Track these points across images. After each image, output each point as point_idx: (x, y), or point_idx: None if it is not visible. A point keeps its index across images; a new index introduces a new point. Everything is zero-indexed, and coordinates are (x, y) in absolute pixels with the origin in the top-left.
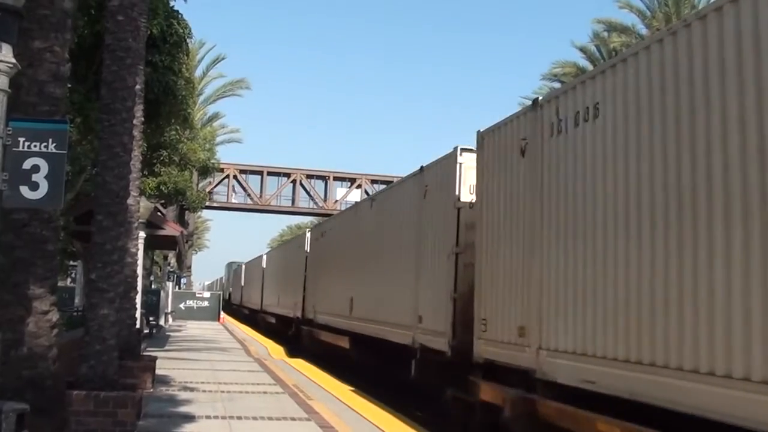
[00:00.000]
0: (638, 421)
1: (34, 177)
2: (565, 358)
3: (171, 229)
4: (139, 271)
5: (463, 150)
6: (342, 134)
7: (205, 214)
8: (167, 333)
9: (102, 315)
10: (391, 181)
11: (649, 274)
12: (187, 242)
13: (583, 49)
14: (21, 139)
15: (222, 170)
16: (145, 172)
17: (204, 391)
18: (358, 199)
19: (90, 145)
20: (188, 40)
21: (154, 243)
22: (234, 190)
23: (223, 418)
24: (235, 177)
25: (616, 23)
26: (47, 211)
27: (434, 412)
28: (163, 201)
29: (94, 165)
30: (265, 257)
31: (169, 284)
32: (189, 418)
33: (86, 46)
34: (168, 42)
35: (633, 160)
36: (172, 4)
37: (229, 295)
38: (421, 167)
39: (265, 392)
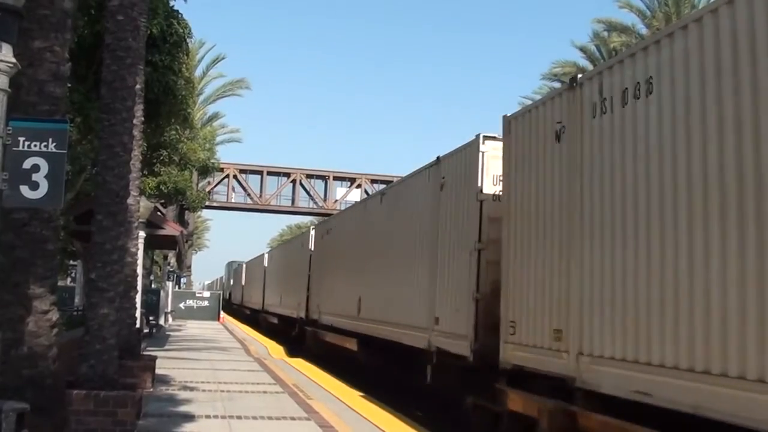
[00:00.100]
0: None
1: (34, 176)
2: (612, 365)
3: (171, 229)
4: (139, 270)
5: (486, 138)
6: (342, 134)
7: (205, 213)
8: (167, 332)
9: (102, 314)
10: (391, 181)
11: (720, 272)
12: (186, 242)
13: (583, 49)
14: (21, 139)
15: (222, 170)
16: (145, 172)
17: (204, 390)
18: (358, 199)
19: (90, 144)
20: (188, 40)
21: (154, 243)
22: (234, 190)
23: (223, 417)
24: (235, 177)
25: (616, 23)
26: (47, 210)
27: (452, 421)
28: (163, 201)
29: (94, 164)
30: (266, 256)
31: (169, 284)
32: (189, 417)
33: (86, 45)
34: (168, 42)
35: (697, 142)
36: (172, 3)
37: (230, 294)
38: (438, 158)
39: (264, 392)
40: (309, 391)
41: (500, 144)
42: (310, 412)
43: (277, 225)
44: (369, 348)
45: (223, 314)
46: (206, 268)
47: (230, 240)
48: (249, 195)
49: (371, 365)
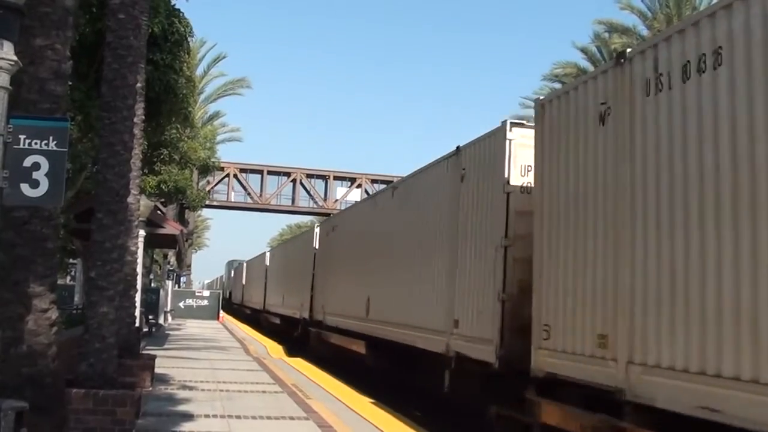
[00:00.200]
0: None
1: (35, 175)
2: (671, 376)
3: (171, 228)
4: (139, 269)
5: (514, 124)
6: (342, 134)
7: (205, 213)
8: (166, 332)
9: (101, 313)
10: (392, 181)
11: None
12: (186, 241)
13: (584, 50)
14: (22, 137)
15: (222, 169)
16: (146, 171)
17: (203, 389)
18: (359, 199)
19: (91, 143)
20: (189, 39)
21: (153, 241)
22: (233, 189)
23: (222, 417)
24: (235, 176)
25: (617, 24)
26: (47, 208)
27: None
28: (163, 199)
29: (94, 163)
30: (268, 254)
31: (169, 283)
32: (188, 416)
33: (87, 44)
34: (169, 40)
35: None
36: (173, 2)
37: (230, 294)
38: (458, 147)
39: (264, 391)
40: (308, 391)
41: (529, 131)
42: (309, 412)
43: (277, 224)
44: (378, 351)
45: (222, 313)
46: (206, 267)
47: (230, 239)
48: (249, 194)
49: (380, 369)
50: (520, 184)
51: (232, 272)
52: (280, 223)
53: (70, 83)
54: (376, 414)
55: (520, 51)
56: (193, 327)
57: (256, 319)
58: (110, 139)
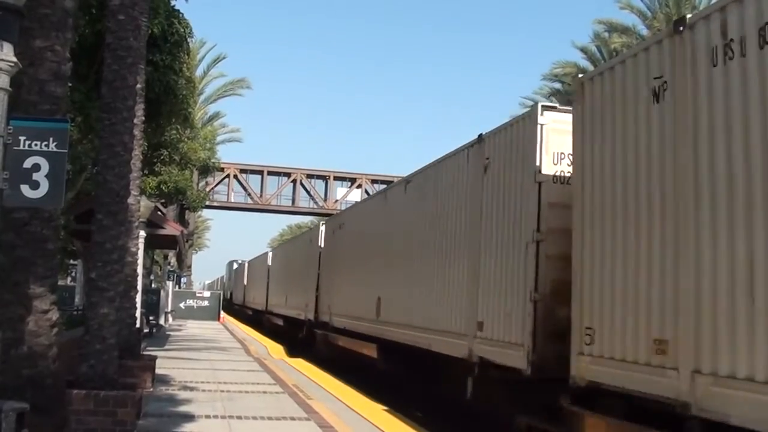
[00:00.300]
0: None
1: (35, 176)
2: (750, 389)
3: (171, 229)
4: (139, 270)
5: (545, 108)
6: (342, 134)
7: (206, 213)
8: (167, 332)
9: (102, 314)
10: (392, 181)
11: None
12: (187, 241)
13: (583, 50)
14: (22, 138)
15: (222, 170)
16: (146, 172)
17: (204, 390)
18: (359, 199)
19: (91, 144)
20: (189, 40)
21: (154, 242)
22: (234, 190)
23: (223, 417)
24: (235, 176)
25: (617, 24)
26: (48, 210)
27: None
28: (163, 200)
29: (94, 164)
30: (270, 254)
31: (169, 283)
32: (189, 417)
33: (87, 45)
34: (169, 41)
35: None
36: (173, 3)
37: (231, 294)
38: (480, 135)
39: (264, 392)
40: (309, 392)
41: (563, 116)
42: (310, 412)
43: (277, 225)
44: (391, 355)
45: (223, 314)
46: (206, 267)
47: (230, 240)
48: (249, 195)
49: (393, 374)
50: (552, 173)
51: (233, 273)
52: (281, 224)
53: (70, 84)
54: (377, 414)
55: (520, 51)
56: (193, 328)
57: (259, 320)
58: (110, 140)
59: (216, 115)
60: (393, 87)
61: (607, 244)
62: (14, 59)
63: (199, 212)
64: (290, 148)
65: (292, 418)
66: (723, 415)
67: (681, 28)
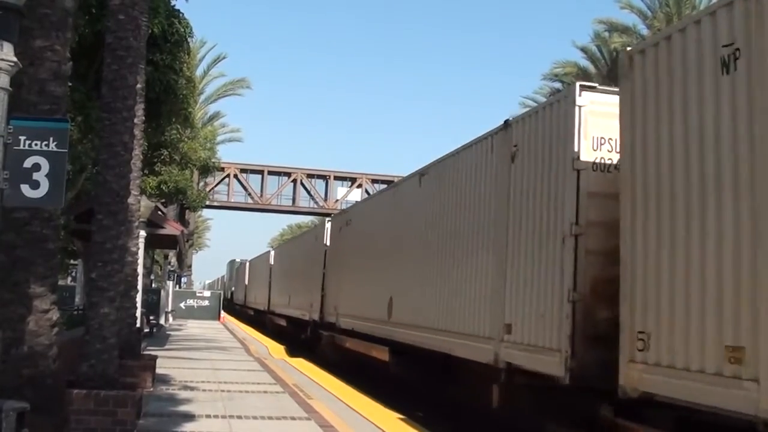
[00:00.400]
0: None
1: (35, 176)
2: None
3: (171, 228)
4: (140, 270)
5: (584, 88)
6: (342, 134)
7: (206, 213)
8: (167, 332)
9: (102, 314)
10: (392, 181)
11: None
12: (187, 241)
13: (584, 49)
14: (22, 138)
15: (223, 169)
16: (146, 171)
17: (204, 390)
18: (359, 199)
19: (91, 143)
20: (189, 39)
21: (154, 242)
22: (234, 190)
23: (223, 417)
24: (235, 176)
25: (617, 23)
26: (48, 209)
27: None
28: (163, 200)
29: (94, 164)
30: (273, 253)
31: (170, 283)
32: (189, 417)
33: (87, 44)
34: (169, 41)
35: None
36: (173, 3)
37: (232, 294)
38: (506, 121)
39: (265, 391)
40: (309, 391)
41: (604, 96)
42: (311, 412)
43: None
44: (405, 358)
45: (223, 314)
46: (207, 267)
47: (231, 240)
48: (250, 194)
49: (408, 380)
50: (592, 159)
51: (234, 272)
52: (281, 223)
53: (70, 84)
54: (378, 414)
55: (520, 51)
56: (194, 327)
57: (261, 320)
58: (110, 140)
59: (216, 115)
60: (393, 87)
61: (664, 236)
62: (14, 59)
63: (200, 212)
64: (290, 147)
65: (293, 418)
66: None
67: None
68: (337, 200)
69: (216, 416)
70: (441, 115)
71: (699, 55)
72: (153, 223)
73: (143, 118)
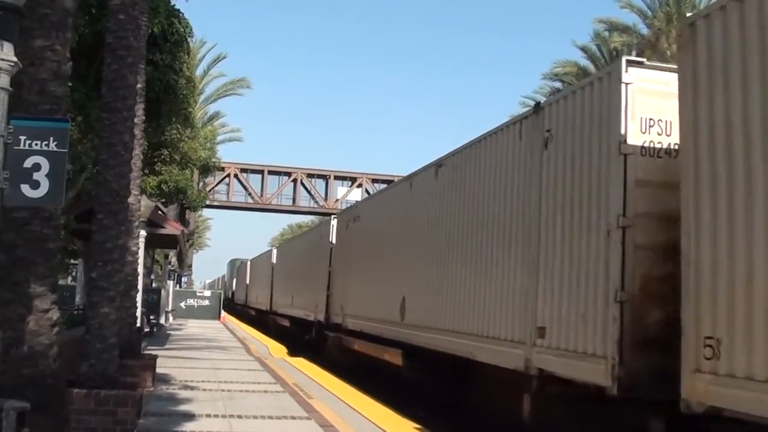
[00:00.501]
0: None
1: (35, 175)
2: None
3: (172, 228)
4: (140, 269)
5: (631, 63)
6: (342, 134)
7: (206, 213)
8: (168, 332)
9: (103, 313)
10: (392, 180)
11: None
12: (187, 241)
13: (584, 49)
14: (22, 138)
15: (223, 169)
16: (146, 171)
17: (204, 389)
18: (359, 198)
19: (91, 143)
20: (189, 39)
21: (154, 242)
22: (234, 189)
23: (224, 416)
24: (236, 176)
25: (617, 23)
26: (48, 209)
27: None
28: (163, 200)
29: (95, 163)
30: (275, 252)
31: (170, 283)
32: (189, 416)
33: (87, 44)
34: (169, 41)
35: None
36: (173, 2)
37: (233, 294)
38: (537, 104)
39: (265, 391)
40: (309, 391)
41: (653, 73)
42: (311, 412)
43: (278, 224)
44: (420, 363)
45: (223, 313)
46: (207, 267)
47: (231, 239)
48: (250, 194)
49: (423, 385)
50: (640, 143)
51: (235, 271)
52: (281, 223)
53: (70, 84)
54: (378, 413)
55: (520, 51)
56: (194, 327)
57: (262, 321)
58: (110, 140)
59: (216, 115)
60: (393, 87)
61: (738, 227)
62: (14, 59)
63: (200, 212)
64: (291, 147)
65: (293, 417)
66: None
67: None
68: (337, 200)
69: (216, 416)
70: (441, 115)
71: None
72: (153, 222)
73: (143, 117)
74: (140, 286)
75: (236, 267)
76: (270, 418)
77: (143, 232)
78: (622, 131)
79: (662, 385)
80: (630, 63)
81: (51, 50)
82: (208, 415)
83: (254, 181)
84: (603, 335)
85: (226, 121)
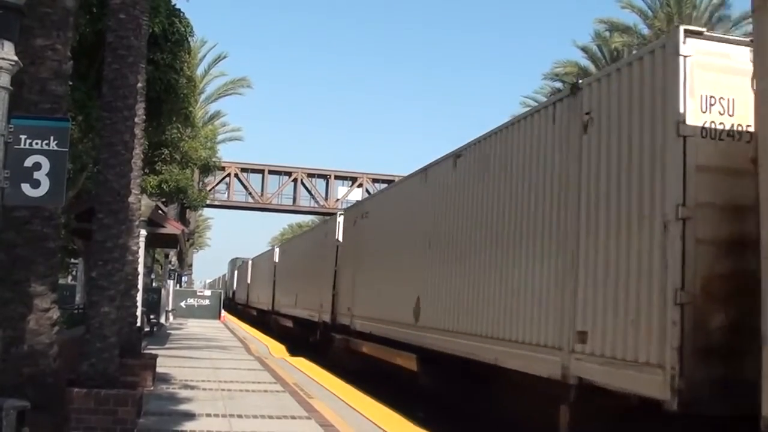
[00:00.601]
0: None
1: (36, 175)
2: None
3: (172, 228)
4: (140, 269)
5: (689, 33)
6: (342, 134)
7: (206, 212)
8: (168, 331)
9: (103, 313)
10: (393, 180)
11: None
12: (188, 240)
13: (584, 49)
14: (22, 137)
15: (223, 169)
16: (147, 171)
17: (204, 389)
18: (359, 198)
19: (91, 143)
20: (190, 39)
21: (155, 241)
22: (235, 189)
23: (224, 416)
24: (236, 175)
25: (618, 23)
26: (48, 208)
27: None
28: (164, 199)
29: (95, 163)
30: (277, 250)
31: (170, 282)
32: (189, 416)
33: (88, 44)
34: (170, 40)
35: None
36: (173, 2)
37: (233, 294)
38: (575, 84)
39: (265, 390)
40: (310, 390)
41: (714, 45)
42: (311, 411)
43: (278, 224)
44: (435, 368)
45: (224, 313)
46: (207, 266)
47: (231, 239)
48: (250, 194)
49: (439, 392)
50: (700, 124)
51: (236, 271)
52: (282, 223)
53: (71, 83)
54: (379, 413)
55: (520, 51)
56: (194, 326)
57: (264, 321)
58: (111, 139)
59: (217, 114)
60: (393, 87)
61: None
62: (15, 58)
63: (200, 211)
64: (291, 147)
65: (293, 417)
66: None
67: None
68: (337, 199)
69: (216, 415)
70: (441, 115)
71: None
72: (154, 222)
73: (144, 117)
74: (140, 286)
75: (237, 266)
76: (270, 417)
77: (143, 232)
78: (681, 110)
79: (724, 399)
80: (688, 33)
81: (52, 49)
82: (208, 415)
83: (254, 180)
84: (660, 342)
85: (227, 121)
